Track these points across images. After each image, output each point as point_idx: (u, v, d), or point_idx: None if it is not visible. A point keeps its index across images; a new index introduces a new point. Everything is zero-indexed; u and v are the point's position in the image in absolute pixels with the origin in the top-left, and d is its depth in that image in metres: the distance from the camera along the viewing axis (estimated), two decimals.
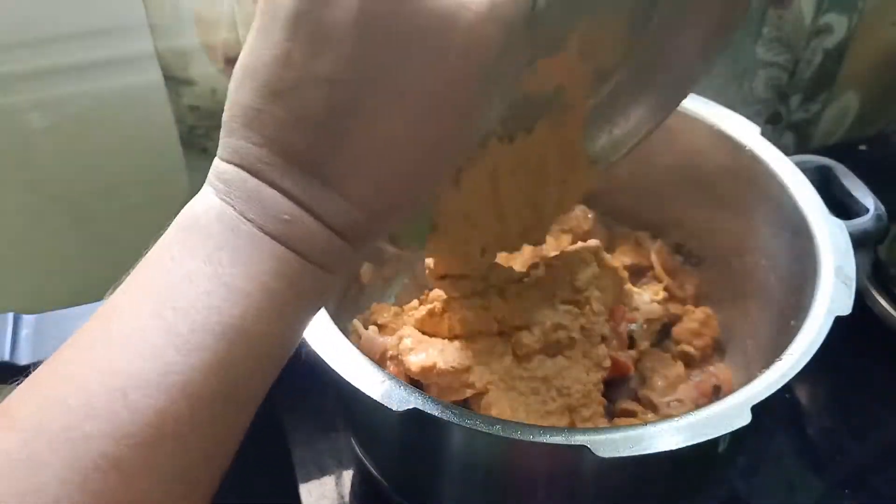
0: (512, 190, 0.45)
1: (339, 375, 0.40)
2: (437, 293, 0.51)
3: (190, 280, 0.26)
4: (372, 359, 0.42)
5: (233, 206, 0.27)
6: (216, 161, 0.29)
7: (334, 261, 0.28)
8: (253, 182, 0.27)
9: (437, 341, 0.50)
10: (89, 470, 0.23)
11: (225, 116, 0.28)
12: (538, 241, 0.50)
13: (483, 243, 0.45)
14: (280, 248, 0.27)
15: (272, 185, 0.27)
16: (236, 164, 0.28)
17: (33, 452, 0.24)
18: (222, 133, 0.28)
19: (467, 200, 0.43)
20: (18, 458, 0.23)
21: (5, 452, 0.24)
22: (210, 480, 0.27)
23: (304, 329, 0.30)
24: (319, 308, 0.30)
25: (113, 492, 0.24)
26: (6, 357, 0.44)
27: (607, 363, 0.51)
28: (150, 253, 0.28)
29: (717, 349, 0.58)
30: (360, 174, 0.27)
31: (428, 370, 0.47)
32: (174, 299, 0.26)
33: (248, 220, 0.27)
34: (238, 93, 0.28)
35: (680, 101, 0.47)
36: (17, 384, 0.26)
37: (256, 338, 0.27)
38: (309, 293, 0.28)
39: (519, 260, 0.55)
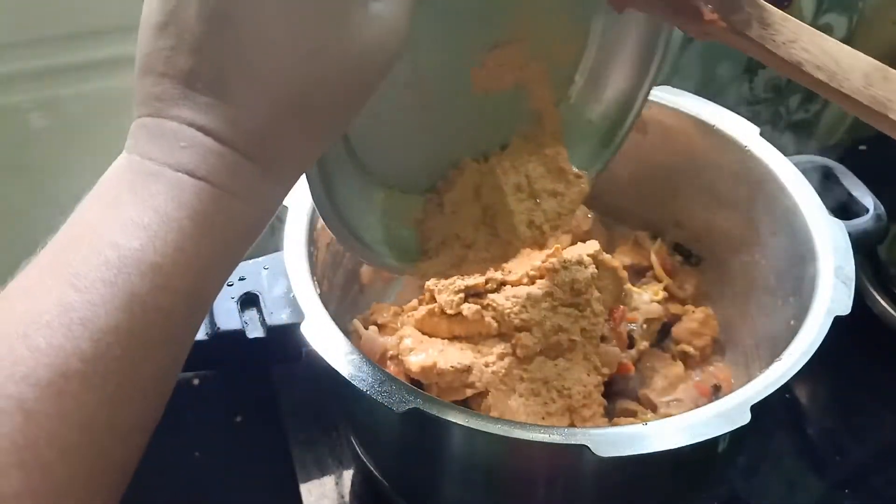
0: (501, 208, 0.44)
1: (339, 375, 0.40)
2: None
3: (90, 226, 0.26)
4: (372, 359, 0.42)
5: (138, 154, 0.27)
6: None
7: (239, 182, 0.28)
8: (152, 122, 0.27)
9: (437, 341, 0.50)
10: None
11: (135, 84, 0.28)
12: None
13: (480, 262, 0.45)
14: (179, 175, 0.27)
15: (170, 117, 0.27)
16: (139, 116, 0.28)
17: None
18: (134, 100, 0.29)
19: (455, 222, 0.43)
20: None
21: None
22: (127, 430, 0.26)
23: (223, 264, 0.29)
24: (241, 240, 0.29)
25: (20, 433, 0.23)
26: None
27: (614, 367, 0.51)
28: None
29: (717, 349, 0.58)
30: (245, 78, 0.27)
31: (428, 370, 0.47)
32: (75, 246, 0.26)
33: (151, 160, 0.27)
34: (137, 51, 0.28)
35: (658, 64, 0.46)
36: None
37: (160, 269, 0.26)
38: (216, 221, 0.27)
39: (518, 263, 0.55)
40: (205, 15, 0.26)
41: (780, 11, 0.32)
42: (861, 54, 0.31)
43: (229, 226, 0.28)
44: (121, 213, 0.26)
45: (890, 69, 0.31)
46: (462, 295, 0.50)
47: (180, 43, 0.27)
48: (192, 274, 0.27)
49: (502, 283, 0.51)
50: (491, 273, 0.51)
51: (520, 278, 0.51)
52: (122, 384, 0.25)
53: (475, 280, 0.50)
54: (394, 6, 0.29)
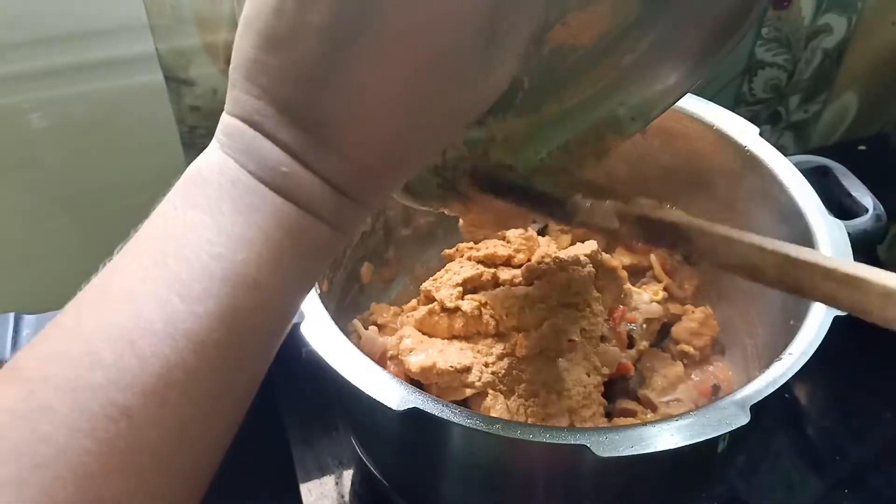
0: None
1: (339, 375, 0.40)
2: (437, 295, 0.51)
3: (192, 230, 0.26)
4: (372, 359, 0.42)
5: (234, 159, 0.27)
6: (222, 115, 0.28)
7: (335, 215, 0.28)
8: (251, 134, 0.27)
9: (437, 341, 0.50)
10: (99, 418, 0.23)
11: (230, 70, 0.28)
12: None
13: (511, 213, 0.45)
14: (279, 199, 0.27)
15: (269, 137, 0.27)
16: (237, 117, 0.28)
17: (41, 402, 0.23)
18: (228, 87, 0.28)
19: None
20: (26, 407, 0.23)
21: (12, 403, 0.23)
22: (216, 438, 0.27)
23: (307, 286, 0.30)
24: (324, 264, 0.30)
25: (123, 439, 0.23)
26: (6, 357, 0.44)
27: (614, 367, 0.51)
28: (154, 211, 0.27)
29: (717, 349, 0.58)
30: (353, 129, 0.27)
31: (428, 370, 0.47)
32: (176, 249, 0.26)
33: (249, 172, 0.27)
34: (240, 45, 0.28)
35: (721, 54, 0.44)
36: None
37: (260, 286, 0.26)
38: (310, 246, 0.28)
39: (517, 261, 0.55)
40: (327, 57, 0.26)
41: None
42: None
43: (321, 249, 0.29)
44: (222, 222, 0.26)
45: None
46: (460, 289, 0.50)
47: (291, 70, 0.26)
48: (285, 292, 0.28)
49: (500, 284, 0.51)
50: (485, 268, 0.51)
51: (517, 278, 0.51)
52: (217, 396, 0.26)
53: (472, 272, 0.50)
54: (508, 51, 0.28)
